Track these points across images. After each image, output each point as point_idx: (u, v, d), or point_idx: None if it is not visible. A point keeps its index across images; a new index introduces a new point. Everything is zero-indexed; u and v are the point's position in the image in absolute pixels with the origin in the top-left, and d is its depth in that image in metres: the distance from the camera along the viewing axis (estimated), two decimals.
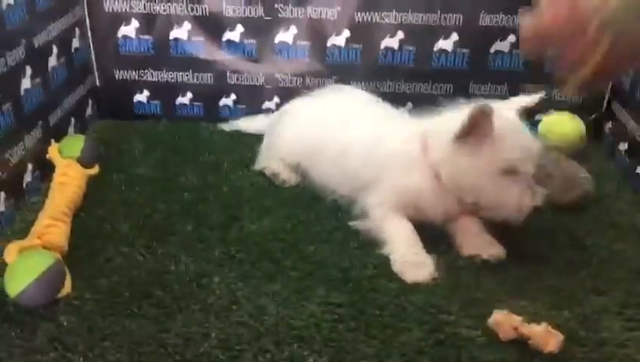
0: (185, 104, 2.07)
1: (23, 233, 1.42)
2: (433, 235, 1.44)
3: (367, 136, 1.53)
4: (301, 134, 1.66)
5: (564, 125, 1.88)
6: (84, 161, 1.66)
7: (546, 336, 1.13)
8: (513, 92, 1.95)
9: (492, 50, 1.92)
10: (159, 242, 1.45)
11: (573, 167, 1.66)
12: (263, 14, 1.92)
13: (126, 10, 1.94)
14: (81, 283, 1.30)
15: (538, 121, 1.94)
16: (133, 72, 2.04)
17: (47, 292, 1.22)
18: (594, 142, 1.93)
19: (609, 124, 1.94)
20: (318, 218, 1.55)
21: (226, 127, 2.01)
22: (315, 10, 1.91)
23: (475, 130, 1.31)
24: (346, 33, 1.93)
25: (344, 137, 1.57)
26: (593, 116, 1.96)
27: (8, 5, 1.47)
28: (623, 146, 1.81)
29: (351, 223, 1.51)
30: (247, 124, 1.99)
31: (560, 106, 1.96)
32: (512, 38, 1.89)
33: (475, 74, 1.96)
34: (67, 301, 1.25)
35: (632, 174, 1.73)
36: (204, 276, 1.34)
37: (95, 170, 1.70)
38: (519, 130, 1.37)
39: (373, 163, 1.49)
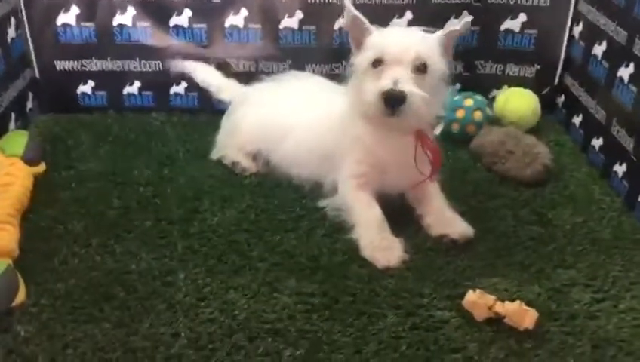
0: (133, 94, 1.98)
1: None
2: (401, 218, 1.42)
3: (328, 116, 1.50)
4: (262, 121, 1.61)
5: (518, 101, 1.89)
6: (29, 159, 1.56)
7: (520, 313, 1.13)
8: (468, 69, 1.98)
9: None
10: (117, 240, 1.38)
11: (532, 143, 1.68)
12: None
13: None
14: (36, 289, 1.22)
15: (493, 98, 1.95)
16: (76, 62, 1.93)
17: (0, 301, 1.13)
18: (547, 116, 1.96)
19: (562, 98, 1.97)
20: (281, 206, 1.51)
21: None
22: None
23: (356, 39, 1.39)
24: (299, 15, 1.87)
25: (307, 119, 1.53)
26: (546, 90, 1.98)
27: None
28: (577, 119, 1.84)
29: (319, 203, 1.48)
30: (201, 72, 1.87)
31: (513, 82, 1.97)
32: (465, 14, 1.88)
33: None
34: (23, 309, 1.17)
35: (587, 146, 1.76)
36: (168, 273, 1.28)
37: (41, 167, 1.61)
38: (395, 29, 1.40)
39: (336, 142, 1.46)
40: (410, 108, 1.29)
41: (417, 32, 1.36)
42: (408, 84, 1.29)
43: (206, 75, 1.85)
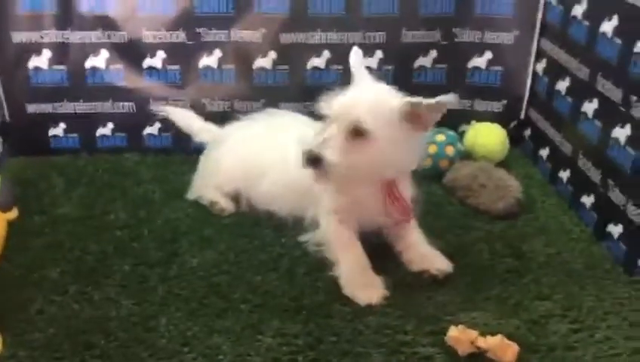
0: (106, 135, 1.97)
1: None
2: (381, 254, 1.44)
3: None
4: (240, 159, 1.62)
5: (487, 135, 1.94)
6: (1, 205, 1.53)
7: (502, 347, 1.15)
8: None
9: (415, 66, 1.97)
10: (95, 286, 1.36)
11: (503, 176, 1.73)
12: (186, 39, 1.86)
13: (36, 40, 1.82)
14: (12, 340, 1.19)
15: (462, 133, 2.00)
16: (47, 105, 1.92)
17: None
18: (515, 149, 2.02)
19: (528, 131, 2.03)
20: (261, 245, 1.52)
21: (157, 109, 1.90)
22: (238, 34, 1.87)
23: None
24: (272, 55, 1.91)
25: (286, 156, 1.53)
26: (513, 124, 2.04)
27: None
28: (545, 152, 1.90)
29: (300, 238, 1.49)
30: (181, 116, 1.87)
31: (481, 117, 2.03)
32: (433, 53, 1.94)
33: (400, 89, 1.99)
34: None
35: (554, 178, 1.82)
36: (149, 318, 1.26)
37: (14, 213, 1.57)
38: (359, 90, 1.36)
39: None
40: (329, 171, 1.29)
41: (381, 94, 1.33)
42: (331, 148, 1.27)
43: (185, 118, 1.86)
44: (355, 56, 1.43)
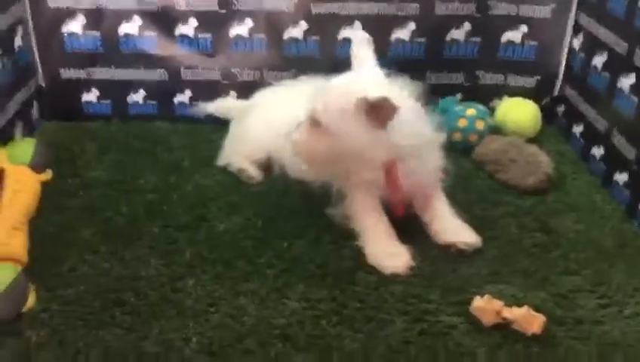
0: (137, 102, 2.00)
1: None
2: (407, 225, 1.44)
3: None
4: (270, 127, 1.61)
5: (519, 110, 1.92)
6: (36, 167, 1.57)
7: (528, 319, 1.15)
8: (469, 79, 2.00)
9: (448, 39, 1.94)
10: (125, 247, 1.39)
11: (534, 152, 1.70)
12: (218, 7, 1.86)
13: (71, 5, 1.84)
14: (46, 295, 1.23)
15: (493, 108, 1.98)
16: (81, 71, 1.94)
17: (11, 307, 1.15)
18: (547, 126, 1.98)
19: (561, 107, 1.99)
20: (288, 214, 1.53)
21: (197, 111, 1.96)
22: (270, 3, 1.87)
23: None
24: (303, 25, 1.90)
25: None
26: (546, 100, 2.01)
27: None
28: (578, 128, 1.86)
29: (326, 210, 1.49)
30: (220, 106, 1.92)
31: (513, 92, 2.00)
32: (467, 25, 1.91)
33: (432, 62, 1.97)
34: (33, 314, 1.17)
35: (587, 156, 1.79)
36: (177, 279, 1.29)
37: (48, 175, 1.62)
38: (342, 79, 1.36)
39: None
40: (295, 153, 1.39)
41: (353, 87, 1.30)
42: (297, 133, 1.35)
43: (224, 107, 1.91)
44: (359, 41, 1.42)
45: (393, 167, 1.35)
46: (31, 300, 1.19)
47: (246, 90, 1.89)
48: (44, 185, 1.57)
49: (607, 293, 1.28)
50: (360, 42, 1.42)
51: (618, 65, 1.63)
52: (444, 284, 1.30)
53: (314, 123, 1.32)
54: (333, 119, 1.30)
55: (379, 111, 1.26)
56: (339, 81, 1.36)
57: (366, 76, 1.37)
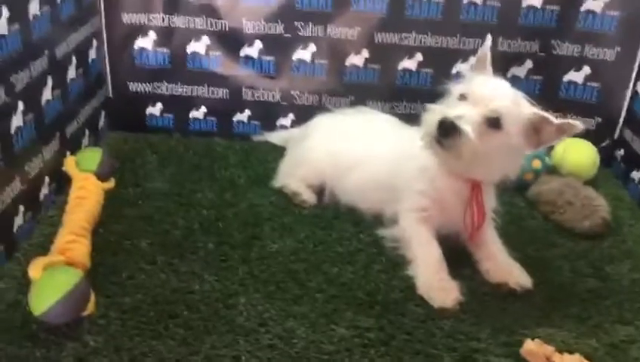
0: (198, 118, 2.06)
1: (41, 247, 1.40)
2: (458, 260, 1.44)
3: (396, 151, 1.55)
4: (329, 153, 1.65)
5: (577, 151, 1.89)
6: (101, 175, 1.63)
7: None
8: None
9: (509, 75, 1.94)
10: (181, 259, 1.43)
11: (591, 195, 1.68)
12: (283, 31, 1.92)
13: (144, 22, 1.92)
14: (104, 302, 1.27)
15: (552, 147, 1.95)
16: (148, 85, 2.02)
17: (72, 311, 1.19)
18: (604, 169, 1.95)
19: (621, 151, 1.96)
20: (339, 239, 1.55)
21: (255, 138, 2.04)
22: (334, 30, 1.91)
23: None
24: (365, 53, 1.93)
25: (377, 152, 1.57)
26: (605, 143, 1.98)
27: (34, 16, 1.45)
28: (637, 174, 1.83)
29: (379, 232, 1.51)
30: (281, 138, 1.99)
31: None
32: (529, 64, 1.91)
33: None
34: (92, 320, 1.22)
35: None
36: (229, 296, 1.32)
37: (111, 183, 1.68)
38: (503, 82, 1.37)
39: (403, 174, 1.50)
40: (457, 145, 1.26)
41: (518, 97, 1.33)
42: (467, 124, 1.26)
43: (284, 138, 1.97)
44: (488, 42, 1.45)
45: (480, 187, 1.38)
46: (91, 306, 1.24)
47: (304, 114, 1.93)
48: (107, 193, 1.63)
49: None
50: (486, 47, 1.45)
51: None
52: (494, 323, 1.29)
53: (489, 122, 1.29)
54: (512, 125, 1.29)
55: (540, 131, 1.31)
56: (499, 84, 1.35)
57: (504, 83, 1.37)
